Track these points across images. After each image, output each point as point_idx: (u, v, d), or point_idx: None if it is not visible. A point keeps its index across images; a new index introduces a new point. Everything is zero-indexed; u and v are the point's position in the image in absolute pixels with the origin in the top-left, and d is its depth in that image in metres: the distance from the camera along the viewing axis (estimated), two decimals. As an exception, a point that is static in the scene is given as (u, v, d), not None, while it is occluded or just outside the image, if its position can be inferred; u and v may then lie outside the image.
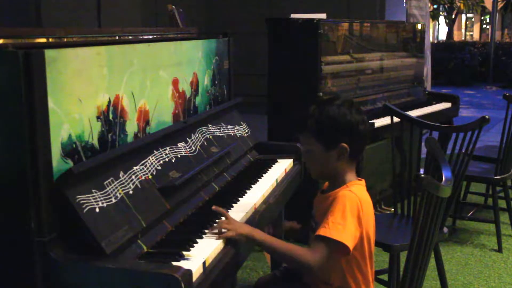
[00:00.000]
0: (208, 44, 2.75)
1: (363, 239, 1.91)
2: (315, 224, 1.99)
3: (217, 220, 1.97)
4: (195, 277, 1.61)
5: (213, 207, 2.00)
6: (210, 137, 2.55)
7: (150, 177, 1.97)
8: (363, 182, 2.01)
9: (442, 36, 28.35)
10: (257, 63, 5.30)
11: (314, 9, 5.07)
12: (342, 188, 1.95)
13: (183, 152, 2.27)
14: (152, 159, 2.05)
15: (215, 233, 1.87)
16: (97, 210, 1.65)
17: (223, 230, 1.87)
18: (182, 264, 1.64)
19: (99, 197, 1.69)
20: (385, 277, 2.96)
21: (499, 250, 3.89)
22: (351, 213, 1.85)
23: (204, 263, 1.69)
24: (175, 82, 2.40)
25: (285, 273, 2.25)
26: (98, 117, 1.84)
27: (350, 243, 1.84)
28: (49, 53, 1.59)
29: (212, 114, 2.68)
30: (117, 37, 2.35)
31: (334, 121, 1.93)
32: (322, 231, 1.84)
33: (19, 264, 1.58)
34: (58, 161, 1.63)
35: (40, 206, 1.55)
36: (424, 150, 2.68)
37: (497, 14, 18.68)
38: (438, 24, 28.39)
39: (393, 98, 4.60)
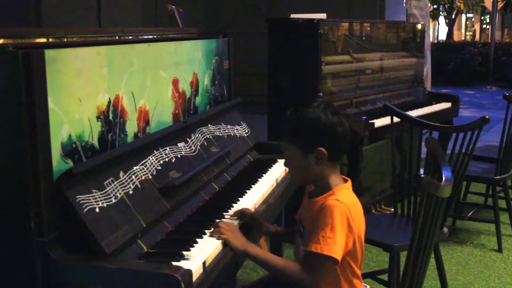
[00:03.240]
0: (208, 44, 2.75)
1: (355, 242, 1.88)
2: (303, 229, 1.95)
3: (217, 220, 1.97)
4: (195, 277, 1.61)
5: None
6: (210, 137, 2.55)
7: (150, 177, 1.97)
8: (349, 183, 1.96)
9: (442, 36, 28.34)
10: (257, 63, 5.28)
11: (314, 9, 5.07)
12: (329, 195, 1.88)
13: (183, 152, 2.27)
14: (152, 159, 2.05)
15: (214, 234, 1.87)
16: (97, 210, 1.65)
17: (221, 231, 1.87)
18: (182, 264, 1.64)
19: (99, 197, 1.69)
20: (385, 277, 2.96)
21: (499, 250, 3.89)
22: (341, 224, 1.81)
23: (204, 263, 1.69)
24: (175, 82, 2.40)
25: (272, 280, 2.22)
26: (98, 117, 1.84)
27: (340, 256, 1.81)
28: (49, 53, 1.59)
29: (212, 114, 2.68)
30: (117, 37, 2.35)
31: (309, 124, 1.88)
32: (313, 247, 1.80)
33: (19, 264, 1.58)
34: (58, 161, 1.63)
35: (40, 206, 1.55)
36: (424, 150, 2.68)
37: (497, 14, 18.67)
38: (438, 24, 28.39)
39: (393, 98, 4.60)
